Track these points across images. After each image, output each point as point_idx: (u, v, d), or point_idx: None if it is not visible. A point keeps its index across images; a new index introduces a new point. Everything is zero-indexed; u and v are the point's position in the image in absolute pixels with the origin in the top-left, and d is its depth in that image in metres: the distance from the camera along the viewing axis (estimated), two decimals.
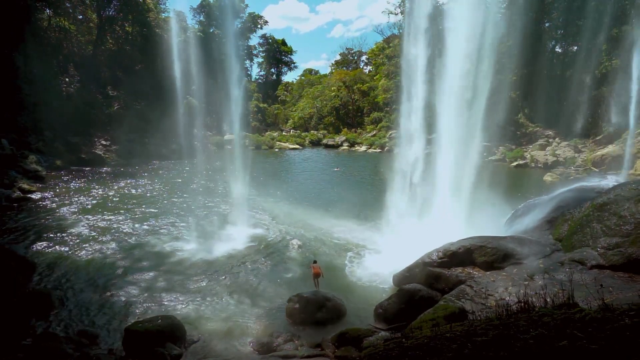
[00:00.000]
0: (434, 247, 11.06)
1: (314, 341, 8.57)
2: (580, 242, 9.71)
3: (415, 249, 11.71)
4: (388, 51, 57.00)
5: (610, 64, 34.32)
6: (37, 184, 23.35)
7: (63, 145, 31.96)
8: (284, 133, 64.08)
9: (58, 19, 37.79)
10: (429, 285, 10.14)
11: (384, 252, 13.86)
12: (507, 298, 7.71)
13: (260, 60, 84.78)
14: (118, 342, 8.39)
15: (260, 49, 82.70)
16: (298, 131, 65.36)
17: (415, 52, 15.90)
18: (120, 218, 18.11)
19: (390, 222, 15.98)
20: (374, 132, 55.95)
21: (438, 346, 3.12)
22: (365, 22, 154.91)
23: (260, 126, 62.21)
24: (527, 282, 8.29)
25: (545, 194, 14.94)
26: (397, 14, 58.12)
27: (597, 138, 33.93)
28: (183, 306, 10.46)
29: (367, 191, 25.85)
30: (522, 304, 4.19)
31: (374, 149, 51.21)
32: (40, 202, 20.17)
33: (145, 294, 11.05)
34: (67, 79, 38.08)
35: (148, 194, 23.36)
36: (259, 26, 73.68)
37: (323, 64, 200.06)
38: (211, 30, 56.11)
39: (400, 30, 56.59)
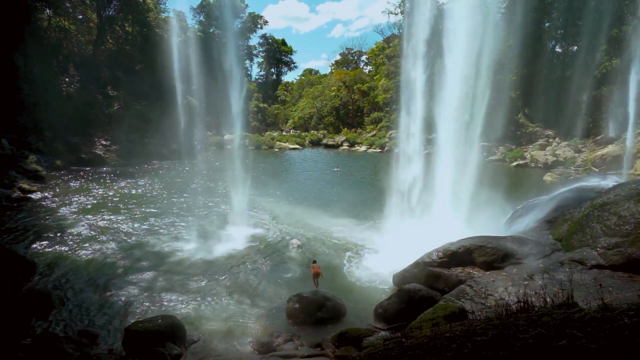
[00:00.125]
0: (434, 247, 11.07)
1: (314, 341, 8.57)
2: (580, 242, 9.72)
3: (415, 249, 11.71)
4: (388, 51, 57.01)
5: (610, 64, 34.33)
6: (37, 184, 23.35)
7: (63, 145, 31.95)
8: (284, 133, 64.09)
9: (58, 19, 37.79)
10: (429, 285, 10.15)
11: (383, 252, 13.86)
12: (507, 298, 7.71)
13: (260, 60, 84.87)
14: (118, 342, 8.39)
15: (260, 49, 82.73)
16: (298, 131, 65.38)
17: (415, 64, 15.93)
18: (120, 218, 18.11)
19: (390, 222, 16.00)
20: (374, 132, 55.96)
21: (438, 346, 3.12)
22: (365, 22, 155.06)
23: (260, 126, 62.22)
24: (526, 282, 8.30)
25: (545, 194, 14.93)
26: (397, 14, 58.16)
27: (597, 138, 33.95)
28: (183, 306, 10.47)
29: (367, 191, 25.86)
30: (522, 304, 4.20)
31: (374, 149, 51.22)
32: (40, 202, 20.18)
33: (145, 294, 11.06)
34: (67, 79, 38.07)
35: (148, 194, 23.36)
36: (259, 26, 73.72)
37: (323, 64, 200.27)
38: (211, 30, 56.12)
39: (400, 31, 56.63)
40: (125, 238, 15.61)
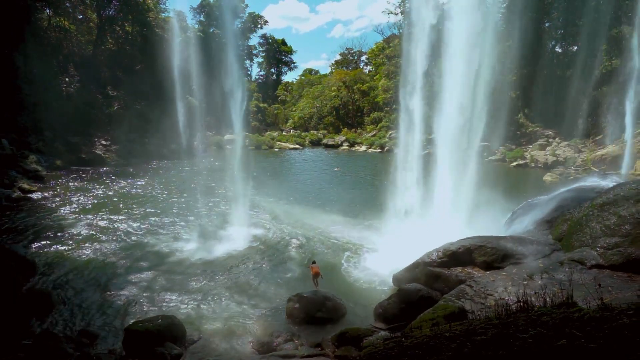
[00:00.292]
0: (434, 247, 11.07)
1: (314, 341, 8.57)
2: (580, 242, 9.72)
3: (415, 248, 11.71)
4: (388, 51, 57.01)
5: (610, 64, 34.36)
6: (37, 184, 23.36)
7: (63, 145, 31.97)
8: (284, 133, 64.09)
9: (58, 19, 37.80)
10: (429, 285, 10.15)
11: (383, 252, 13.86)
12: (507, 297, 7.71)
13: (260, 60, 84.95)
14: (118, 342, 8.40)
15: (260, 49, 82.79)
16: (298, 131, 65.38)
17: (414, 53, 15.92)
18: (120, 218, 18.12)
19: (390, 222, 16.00)
20: (374, 132, 55.97)
21: (437, 345, 3.13)
22: (365, 22, 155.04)
23: (260, 126, 62.23)
24: (526, 282, 8.30)
25: (545, 194, 14.94)
26: (397, 14, 58.19)
27: (597, 138, 33.96)
28: (183, 306, 10.47)
29: (367, 191, 25.87)
30: (522, 304, 4.20)
31: (374, 149, 51.23)
32: (40, 202, 20.18)
33: (145, 294, 11.06)
34: (67, 79, 38.07)
35: (148, 194, 23.37)
36: (259, 26, 73.81)
37: (323, 64, 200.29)
38: (211, 30, 56.12)
39: (400, 30, 56.66)
40: (125, 238, 15.62)
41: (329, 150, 53.22)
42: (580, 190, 13.44)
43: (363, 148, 52.60)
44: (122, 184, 25.70)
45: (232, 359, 7.97)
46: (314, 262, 11.88)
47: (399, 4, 57.19)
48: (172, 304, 10.55)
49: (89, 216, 18.08)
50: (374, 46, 69.45)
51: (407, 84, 16.26)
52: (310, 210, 20.38)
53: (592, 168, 30.13)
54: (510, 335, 2.94)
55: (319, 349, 8.08)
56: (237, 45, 47.94)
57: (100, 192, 23.25)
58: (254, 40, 79.70)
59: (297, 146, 55.05)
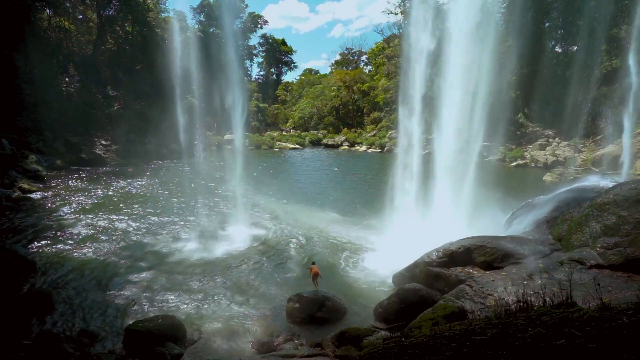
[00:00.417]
0: (434, 247, 11.08)
1: (314, 340, 8.58)
2: (580, 242, 9.72)
3: (414, 248, 11.72)
4: (388, 51, 57.00)
5: (610, 64, 34.34)
6: (37, 184, 23.35)
7: (63, 145, 31.97)
8: (284, 133, 64.09)
9: (58, 19, 37.79)
10: (429, 284, 10.16)
11: (383, 252, 13.87)
12: (506, 297, 7.70)
13: (260, 60, 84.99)
14: (118, 342, 8.41)
15: (260, 49, 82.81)
16: (298, 131, 65.37)
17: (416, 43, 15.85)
18: (120, 218, 18.12)
19: (390, 222, 16.01)
20: (374, 132, 55.96)
21: (437, 345, 3.13)
22: (365, 22, 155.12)
23: (260, 126, 62.21)
24: (526, 282, 8.30)
25: (545, 193, 14.95)
26: (397, 13, 58.18)
27: (597, 138, 33.96)
28: (183, 306, 10.48)
29: (367, 191, 25.88)
30: (521, 304, 4.21)
31: (374, 149, 51.23)
32: (40, 202, 20.18)
33: (145, 294, 11.06)
34: (67, 79, 38.06)
35: (148, 194, 23.37)
36: (259, 26, 73.78)
37: (323, 64, 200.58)
38: (211, 30, 56.11)
39: (400, 30, 56.66)
40: (125, 238, 15.62)
41: (329, 150, 53.22)
42: (580, 190, 13.44)
43: (363, 148, 52.60)
44: (122, 184, 25.70)
45: (232, 358, 7.98)
46: (313, 263, 11.87)
47: (399, 4, 57.23)
48: (172, 304, 10.55)
49: (89, 216, 18.08)
50: (374, 46, 69.61)
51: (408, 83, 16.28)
52: (310, 210, 20.39)
53: (592, 168, 30.14)
54: (509, 335, 2.95)
55: (319, 348, 8.09)
56: (237, 45, 47.95)
57: (100, 192, 23.26)
58: (254, 40, 79.79)
59: (297, 146, 55.05)
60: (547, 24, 41.17)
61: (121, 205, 20.49)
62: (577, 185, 14.75)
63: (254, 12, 72.10)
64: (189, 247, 14.68)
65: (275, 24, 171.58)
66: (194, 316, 9.96)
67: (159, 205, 20.76)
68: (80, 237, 15.41)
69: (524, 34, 32.53)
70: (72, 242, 14.82)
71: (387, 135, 50.82)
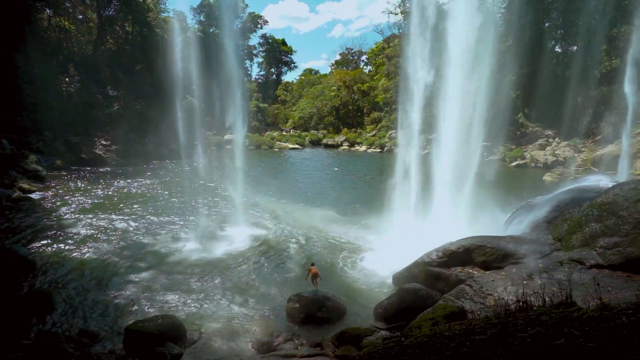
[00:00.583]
0: (434, 247, 11.08)
1: (314, 340, 8.58)
2: (579, 242, 9.74)
3: (414, 248, 11.73)
4: (388, 51, 57.00)
5: (610, 64, 34.34)
6: (37, 184, 23.34)
7: (63, 145, 31.97)
8: (284, 133, 64.10)
9: (58, 19, 37.78)
10: (429, 284, 10.17)
11: (383, 252, 13.88)
12: (506, 297, 7.71)
13: (260, 60, 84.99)
14: (119, 342, 8.41)
15: (260, 49, 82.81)
16: (298, 131, 65.38)
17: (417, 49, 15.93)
18: (120, 218, 18.12)
19: (390, 222, 16.01)
20: (374, 132, 55.97)
21: (437, 345, 3.14)
22: (365, 22, 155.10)
23: (260, 126, 62.22)
24: (526, 282, 8.31)
25: (545, 193, 14.95)
26: (397, 13, 58.18)
27: (597, 138, 33.95)
28: (183, 306, 10.48)
29: (367, 191, 25.89)
30: (521, 303, 4.21)
31: (374, 149, 51.24)
32: (40, 202, 20.18)
33: (145, 294, 11.07)
34: (67, 79, 38.05)
35: (148, 194, 23.37)
36: (259, 26, 73.83)
37: (323, 64, 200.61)
38: (211, 30, 56.12)
39: (401, 30, 56.68)
40: (125, 238, 15.62)
41: (329, 150, 53.23)
42: (579, 190, 13.45)
43: (363, 148, 52.61)
44: (122, 184, 25.70)
45: (232, 358, 7.98)
46: (312, 264, 11.87)
47: (399, 4, 57.23)
48: (172, 304, 10.55)
49: (89, 216, 18.08)
50: (374, 46, 69.61)
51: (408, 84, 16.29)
52: (310, 210, 20.39)
53: (592, 168, 30.14)
54: (509, 335, 2.95)
55: (319, 348, 8.09)
56: (237, 45, 47.97)
57: (100, 192, 23.26)
58: (254, 40, 79.85)
59: (297, 146, 55.05)
60: (547, 24, 41.17)
61: (121, 205, 20.49)
62: (576, 185, 14.76)
63: (254, 12, 72.27)
64: (189, 247, 14.68)
65: (275, 24, 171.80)
66: (194, 316, 9.96)
67: (159, 205, 20.76)
68: (80, 237, 15.41)
69: (524, 34, 32.52)
70: (72, 242, 14.81)
71: (387, 135, 50.82)
